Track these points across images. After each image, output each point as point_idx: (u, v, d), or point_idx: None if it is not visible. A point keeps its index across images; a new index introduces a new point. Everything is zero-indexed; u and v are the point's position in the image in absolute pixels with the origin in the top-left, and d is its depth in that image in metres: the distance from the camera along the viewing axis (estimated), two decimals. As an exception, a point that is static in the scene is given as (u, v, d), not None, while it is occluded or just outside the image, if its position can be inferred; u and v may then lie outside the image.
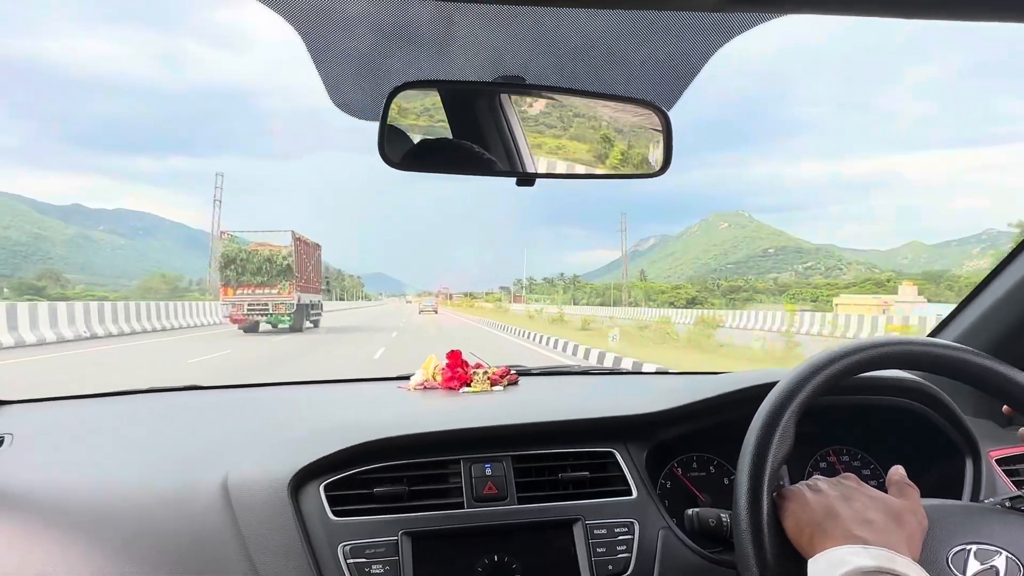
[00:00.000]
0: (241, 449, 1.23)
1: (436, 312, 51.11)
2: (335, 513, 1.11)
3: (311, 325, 26.07)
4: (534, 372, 1.83)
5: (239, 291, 22.15)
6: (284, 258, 22.83)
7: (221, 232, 23.47)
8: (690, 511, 1.02)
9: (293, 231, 23.54)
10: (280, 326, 22.81)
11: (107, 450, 1.29)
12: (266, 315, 22.30)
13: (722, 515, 0.99)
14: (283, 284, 22.42)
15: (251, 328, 22.53)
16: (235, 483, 1.12)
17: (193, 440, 1.32)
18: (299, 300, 22.78)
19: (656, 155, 1.14)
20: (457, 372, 1.61)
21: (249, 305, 21.95)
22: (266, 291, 22.26)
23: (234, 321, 22.16)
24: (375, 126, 1.03)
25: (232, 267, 22.41)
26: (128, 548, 1.01)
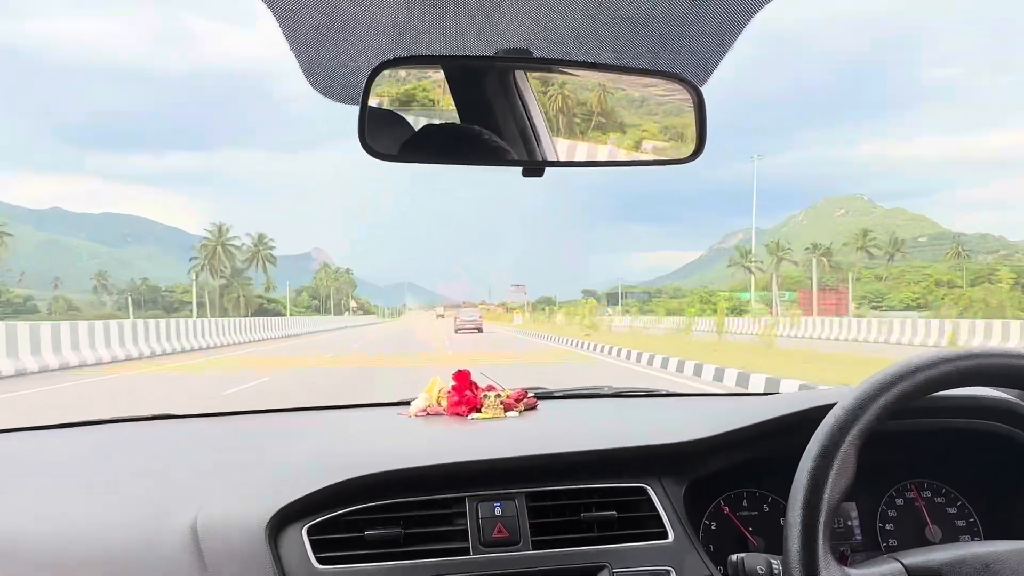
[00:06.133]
0: (214, 487, 1.18)
1: (480, 330, 41.09)
2: (320, 560, 1.06)
3: None
4: (556, 395, 1.77)
5: None
6: None
7: None
8: (734, 557, 0.98)
9: None
10: None
11: (63, 489, 1.23)
12: None
13: (772, 561, 0.96)
14: None
15: None
16: (205, 526, 1.07)
17: (161, 477, 1.27)
18: None
19: (689, 138, 1.04)
20: (465, 396, 1.54)
21: None
22: None
23: None
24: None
25: None
26: None
